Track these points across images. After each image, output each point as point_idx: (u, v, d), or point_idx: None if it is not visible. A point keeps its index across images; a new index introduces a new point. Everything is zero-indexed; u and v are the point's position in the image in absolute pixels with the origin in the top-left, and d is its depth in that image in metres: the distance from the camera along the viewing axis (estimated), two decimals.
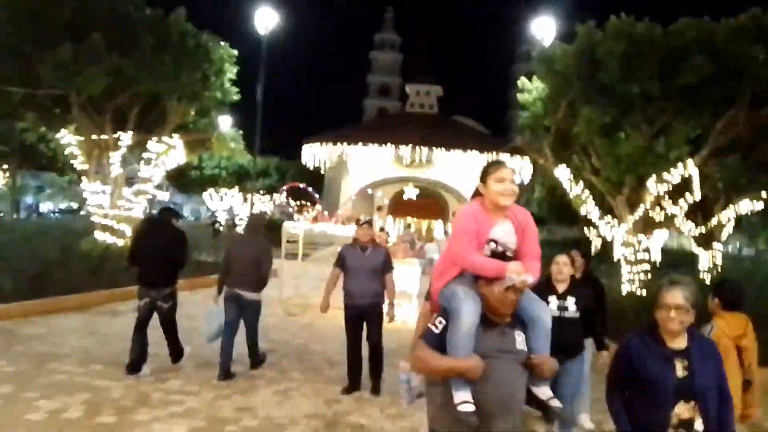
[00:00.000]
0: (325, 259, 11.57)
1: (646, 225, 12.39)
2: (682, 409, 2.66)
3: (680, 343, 2.75)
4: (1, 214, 26.33)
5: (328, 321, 8.97)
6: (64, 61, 11.38)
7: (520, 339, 2.63)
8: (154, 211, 7.06)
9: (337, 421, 5.32)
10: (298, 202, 23.08)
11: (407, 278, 10.63)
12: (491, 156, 23.68)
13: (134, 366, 6.23)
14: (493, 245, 2.69)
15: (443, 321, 2.62)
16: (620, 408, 2.84)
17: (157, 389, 5.81)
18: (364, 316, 6.11)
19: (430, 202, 27.48)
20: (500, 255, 2.65)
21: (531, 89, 13.84)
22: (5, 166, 22.31)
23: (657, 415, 2.68)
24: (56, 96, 12.56)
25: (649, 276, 12.14)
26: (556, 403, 2.67)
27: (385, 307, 6.18)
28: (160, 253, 6.31)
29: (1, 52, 11.78)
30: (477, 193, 2.84)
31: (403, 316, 9.74)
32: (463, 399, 2.50)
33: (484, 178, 2.75)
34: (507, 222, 2.74)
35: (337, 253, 6.50)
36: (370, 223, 6.54)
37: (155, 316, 6.45)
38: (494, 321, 2.60)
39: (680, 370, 2.70)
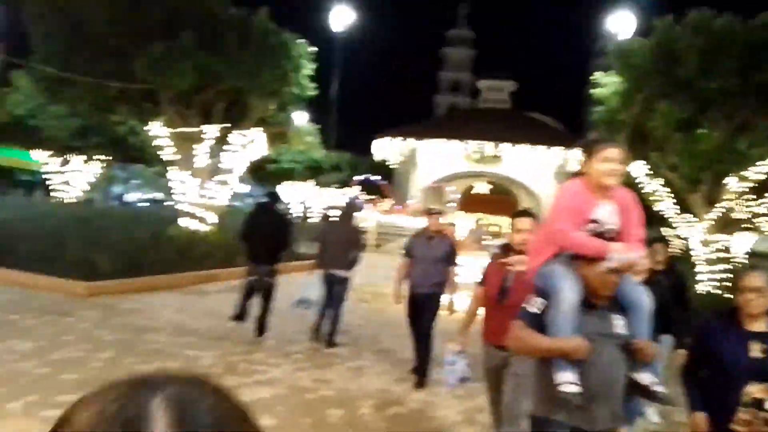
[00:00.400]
0: (396, 250, 11.93)
1: (727, 224, 12.08)
2: (755, 389, 2.72)
3: (760, 326, 2.83)
4: (96, 202, 28.25)
5: (398, 308, 9.31)
6: (156, 57, 12.22)
7: (620, 323, 2.57)
8: (262, 199, 7.94)
9: (407, 397, 5.66)
10: (369, 196, 23.62)
11: (473, 270, 10.83)
12: (564, 152, 23.38)
13: (240, 317, 7.07)
14: (594, 225, 2.60)
15: (541, 301, 2.59)
16: (694, 386, 2.96)
17: (243, 360, 6.33)
18: (420, 304, 6.13)
19: (501, 198, 27.41)
20: (601, 236, 2.56)
21: (606, 84, 13.70)
22: (101, 157, 23.83)
23: (729, 393, 2.76)
24: (148, 90, 13.47)
25: (729, 276, 11.83)
26: (660, 388, 2.60)
27: (445, 299, 6.17)
28: (267, 235, 7.07)
29: (99, 49, 12.78)
30: (579, 172, 2.75)
31: (466, 306, 9.96)
32: (567, 379, 2.44)
33: (589, 155, 2.64)
34: (610, 203, 2.64)
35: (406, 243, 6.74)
36: (440, 213, 6.73)
37: None
38: (593, 304, 2.55)
39: (756, 352, 2.77)
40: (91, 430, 0.45)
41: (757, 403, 2.74)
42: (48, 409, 4.33)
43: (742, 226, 12.25)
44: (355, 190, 26.46)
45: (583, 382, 2.43)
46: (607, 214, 2.63)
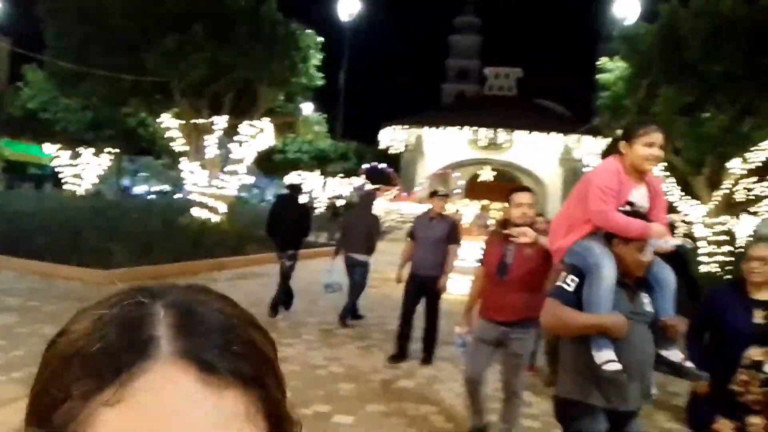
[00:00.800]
0: (402, 237, 12.15)
1: (729, 206, 12.22)
2: (755, 352, 2.93)
3: (764, 294, 3.01)
4: (105, 195, 28.58)
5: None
6: (169, 50, 12.44)
7: (647, 301, 2.62)
8: (284, 190, 8.65)
9: (414, 372, 5.90)
10: (376, 184, 23.80)
11: (477, 254, 11.04)
12: (570, 138, 23.48)
13: (287, 303, 7.86)
14: (628, 207, 2.63)
15: (575, 279, 2.59)
16: (697, 349, 3.13)
17: None
18: (423, 285, 6.17)
19: (505, 185, 27.55)
20: (635, 217, 2.60)
21: (612, 69, 13.82)
22: (111, 150, 24.10)
23: (731, 356, 2.97)
24: (159, 83, 13.69)
25: (731, 258, 11.99)
26: (690, 364, 2.65)
27: (443, 278, 6.14)
28: (291, 223, 7.68)
29: (112, 43, 13.00)
30: (611, 152, 2.78)
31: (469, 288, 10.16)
32: (608, 358, 2.45)
33: (629, 138, 2.67)
34: (643, 186, 2.71)
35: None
36: (445, 196, 6.71)
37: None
38: (624, 283, 2.58)
39: (759, 318, 2.96)
40: (90, 336, 0.43)
41: (756, 366, 2.95)
42: None
43: (745, 209, 12.39)
44: (361, 179, 26.69)
45: (620, 360, 2.44)
46: (640, 197, 2.68)
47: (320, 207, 29.01)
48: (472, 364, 4.15)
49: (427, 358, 6.24)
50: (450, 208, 9.46)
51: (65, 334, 0.44)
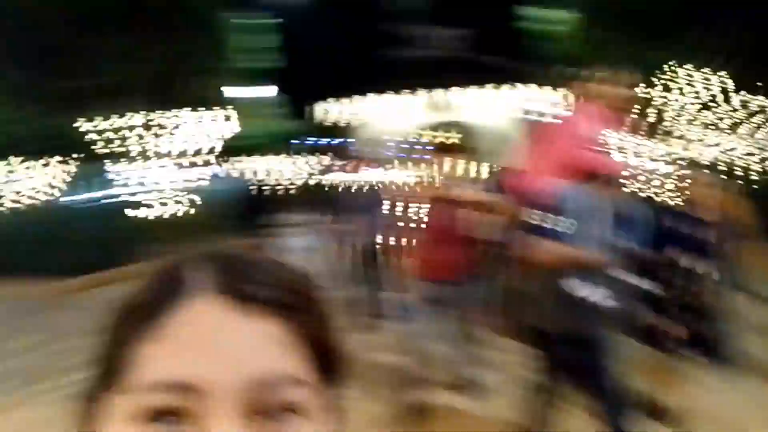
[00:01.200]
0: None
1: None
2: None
3: None
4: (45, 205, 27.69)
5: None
6: (84, 51, 12.00)
7: (618, 234, 2.81)
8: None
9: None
10: (331, 158, 23.67)
11: (409, 216, 11.30)
12: (515, 90, 23.62)
13: None
14: (605, 148, 2.82)
15: (557, 217, 2.74)
16: None
17: None
18: (372, 252, 6.31)
19: (454, 145, 27.63)
20: (608, 156, 2.83)
21: (552, 19, 13.92)
22: (45, 160, 23.26)
23: None
24: (87, 85, 13.20)
25: None
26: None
27: (389, 244, 6.39)
28: (246, 208, 8.44)
29: (28, 50, 12.46)
30: (582, 95, 2.93)
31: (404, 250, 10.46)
32: (592, 290, 2.68)
33: (600, 82, 2.86)
34: (612, 125, 2.90)
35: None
36: (384, 164, 6.84)
37: None
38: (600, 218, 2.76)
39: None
40: (137, 294, 0.47)
41: None
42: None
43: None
44: (319, 156, 26.50)
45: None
46: (612, 136, 2.86)
47: (280, 189, 28.67)
48: (418, 325, 4.12)
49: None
50: (403, 174, 9.67)
51: (121, 301, 0.48)
